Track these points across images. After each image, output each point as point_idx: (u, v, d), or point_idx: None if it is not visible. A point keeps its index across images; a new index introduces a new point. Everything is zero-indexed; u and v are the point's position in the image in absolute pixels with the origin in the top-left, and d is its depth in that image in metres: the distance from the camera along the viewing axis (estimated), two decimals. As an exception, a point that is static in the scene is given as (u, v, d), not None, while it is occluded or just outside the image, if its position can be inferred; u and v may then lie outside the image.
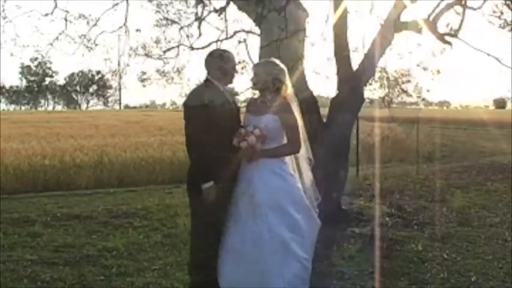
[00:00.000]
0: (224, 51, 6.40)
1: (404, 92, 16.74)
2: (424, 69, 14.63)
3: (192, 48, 14.70)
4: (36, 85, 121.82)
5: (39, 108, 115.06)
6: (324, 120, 10.61)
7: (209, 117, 5.63)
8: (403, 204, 12.17)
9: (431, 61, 13.99)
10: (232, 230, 5.74)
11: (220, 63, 5.98)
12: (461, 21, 11.28)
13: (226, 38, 14.12)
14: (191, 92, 6.16)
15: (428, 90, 16.68)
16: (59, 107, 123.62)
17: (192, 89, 6.44)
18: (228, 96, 6.00)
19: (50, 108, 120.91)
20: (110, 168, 16.68)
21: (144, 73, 15.83)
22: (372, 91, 16.09)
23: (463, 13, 11.26)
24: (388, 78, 15.80)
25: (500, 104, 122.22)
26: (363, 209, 11.31)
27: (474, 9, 11.98)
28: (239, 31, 14.01)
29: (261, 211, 5.63)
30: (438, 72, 14.60)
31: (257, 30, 11.26)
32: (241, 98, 13.00)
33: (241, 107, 6.38)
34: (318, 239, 6.04)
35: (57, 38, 14.20)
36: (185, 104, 5.92)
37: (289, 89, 6.04)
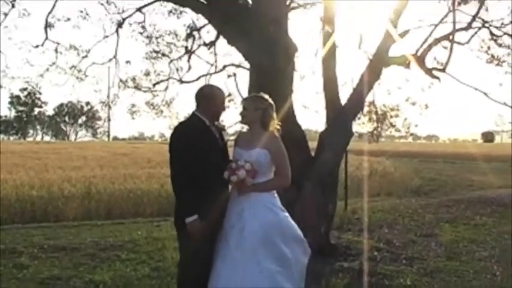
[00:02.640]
0: (213, 87, 6.44)
1: (393, 126, 16.86)
2: (413, 104, 14.77)
3: (181, 81, 14.79)
4: (25, 115, 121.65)
5: (28, 139, 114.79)
6: (313, 154, 10.63)
7: (194, 151, 5.65)
8: (392, 238, 12.16)
9: (420, 95, 14.13)
10: (220, 264, 5.72)
11: (208, 100, 6.00)
12: (449, 56, 11.41)
13: (216, 72, 14.23)
14: (177, 126, 6.18)
15: (416, 125, 16.80)
16: (47, 138, 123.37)
17: (178, 123, 6.47)
18: (214, 131, 6.01)
19: (39, 138, 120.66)
20: (98, 200, 16.61)
21: (133, 105, 15.87)
22: (361, 125, 16.21)
23: (451, 48, 11.40)
24: (376, 112, 15.92)
25: (488, 137, 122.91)
26: (352, 243, 11.30)
27: (462, 44, 12.16)
28: (228, 65, 14.13)
29: (251, 245, 5.63)
30: (426, 106, 14.75)
31: (246, 64, 11.34)
32: (229, 131, 13.03)
33: (229, 140, 6.40)
34: (307, 272, 6.03)
35: (47, 69, 14.27)
36: (171, 138, 5.95)
37: (276, 124, 6.08)
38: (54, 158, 31.90)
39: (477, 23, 12.19)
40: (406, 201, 19.35)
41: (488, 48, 12.99)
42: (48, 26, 13.64)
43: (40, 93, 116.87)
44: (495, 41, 12.85)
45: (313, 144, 10.80)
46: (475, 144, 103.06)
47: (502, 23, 12.45)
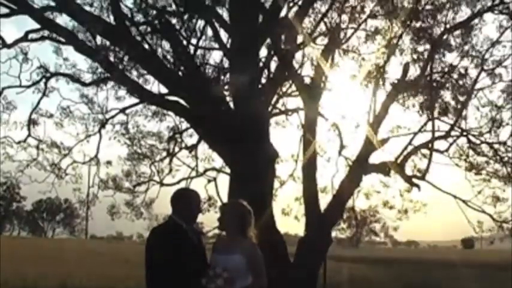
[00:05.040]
0: (188, 190, 6.47)
1: (372, 231, 16.86)
2: (391, 208, 14.78)
3: (162, 184, 14.76)
4: (3, 209, 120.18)
5: (5, 233, 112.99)
6: (292, 259, 10.57)
7: (170, 255, 5.60)
8: None
9: (399, 200, 14.15)
10: None
11: (184, 203, 6.01)
12: (428, 163, 11.59)
13: (197, 176, 14.25)
14: (153, 230, 6.16)
15: (395, 229, 16.78)
16: (24, 233, 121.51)
17: (154, 227, 6.45)
18: (191, 235, 5.97)
19: (15, 234, 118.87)
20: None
21: (113, 207, 15.71)
22: (340, 231, 16.20)
23: (430, 156, 11.59)
24: (356, 217, 15.93)
25: (468, 244, 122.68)
26: None
27: (441, 152, 12.34)
28: (209, 169, 14.18)
29: None
30: (406, 211, 14.76)
31: (227, 169, 11.42)
32: (209, 234, 12.97)
33: (208, 243, 6.37)
34: None
35: (28, 166, 14.22)
36: (147, 242, 5.91)
37: (254, 230, 6.07)
38: (30, 255, 31.44)
39: (456, 132, 12.43)
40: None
41: (467, 156, 13.13)
42: (31, 123, 13.71)
43: (19, 188, 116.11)
44: (473, 149, 13.02)
45: (292, 249, 10.76)
46: (455, 250, 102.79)
47: (480, 132, 12.66)
